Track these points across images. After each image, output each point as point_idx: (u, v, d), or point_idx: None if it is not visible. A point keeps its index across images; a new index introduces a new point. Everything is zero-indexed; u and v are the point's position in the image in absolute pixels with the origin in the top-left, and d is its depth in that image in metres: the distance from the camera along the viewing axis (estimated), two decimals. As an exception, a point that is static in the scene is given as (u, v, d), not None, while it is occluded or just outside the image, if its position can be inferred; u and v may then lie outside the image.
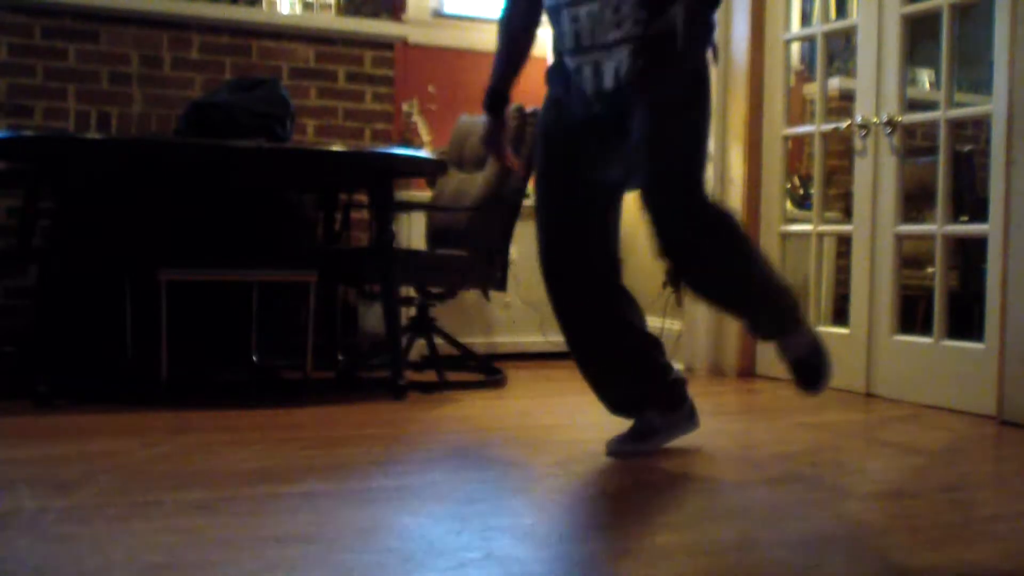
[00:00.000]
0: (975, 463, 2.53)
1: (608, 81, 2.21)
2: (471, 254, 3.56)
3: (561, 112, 2.37)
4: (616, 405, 2.48)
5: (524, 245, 4.35)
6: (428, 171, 3.78)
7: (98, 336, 3.60)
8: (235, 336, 3.49)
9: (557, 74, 2.38)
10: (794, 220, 3.97)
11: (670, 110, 2.20)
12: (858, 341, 3.51)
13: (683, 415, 2.48)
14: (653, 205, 2.16)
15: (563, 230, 2.36)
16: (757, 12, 3.87)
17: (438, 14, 4.34)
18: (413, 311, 3.77)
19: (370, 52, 4.18)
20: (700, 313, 4.01)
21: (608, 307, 2.39)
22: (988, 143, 3.10)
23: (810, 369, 2.32)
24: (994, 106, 3.03)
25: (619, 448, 2.38)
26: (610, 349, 2.42)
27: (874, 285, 3.46)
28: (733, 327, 3.93)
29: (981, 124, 4.24)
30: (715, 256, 2.21)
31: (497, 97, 2.52)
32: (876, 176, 3.45)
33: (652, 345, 2.46)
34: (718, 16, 4.03)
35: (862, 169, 3.51)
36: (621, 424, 2.45)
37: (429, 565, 1.55)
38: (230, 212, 3.82)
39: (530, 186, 3.92)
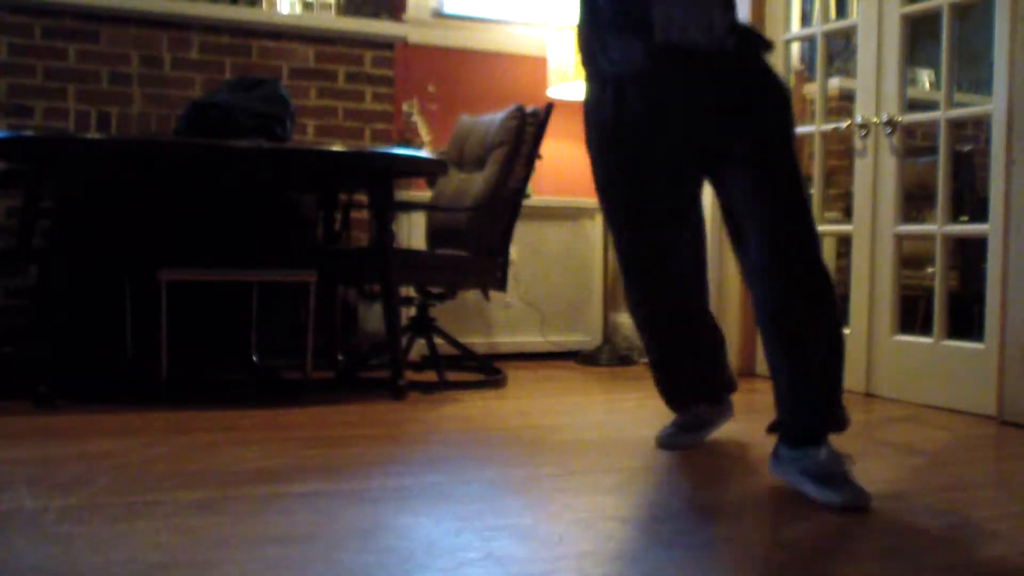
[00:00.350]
0: (975, 463, 2.53)
1: (674, 34, 2.02)
2: (471, 254, 3.56)
3: (607, 105, 2.19)
4: (676, 399, 2.55)
5: (524, 245, 4.36)
6: (428, 171, 3.77)
7: (98, 336, 3.60)
8: (235, 336, 3.49)
9: (592, 63, 2.19)
10: (794, 220, 3.96)
11: (777, 129, 2.12)
12: (858, 341, 3.51)
13: (726, 406, 2.61)
14: (772, 273, 2.04)
15: (646, 243, 2.28)
16: (757, 12, 3.87)
17: (438, 14, 4.34)
18: (413, 311, 3.77)
19: (370, 52, 4.18)
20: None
21: (695, 308, 2.40)
22: (988, 143, 3.10)
23: (836, 477, 2.00)
24: (994, 106, 3.03)
25: (675, 440, 2.48)
26: (691, 347, 2.45)
27: (874, 285, 3.46)
28: (733, 327, 3.93)
29: (981, 124, 4.24)
30: (817, 331, 2.08)
31: None
32: (876, 176, 3.45)
33: (721, 341, 2.52)
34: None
35: (862, 169, 3.51)
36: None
37: (429, 565, 1.55)
38: (230, 212, 3.82)
39: (530, 186, 3.93)
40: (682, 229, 2.31)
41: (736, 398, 3.53)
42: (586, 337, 4.48)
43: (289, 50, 4.07)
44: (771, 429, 2.19)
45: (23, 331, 3.58)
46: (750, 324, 3.94)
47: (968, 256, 4.10)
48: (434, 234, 3.88)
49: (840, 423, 2.17)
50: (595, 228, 4.48)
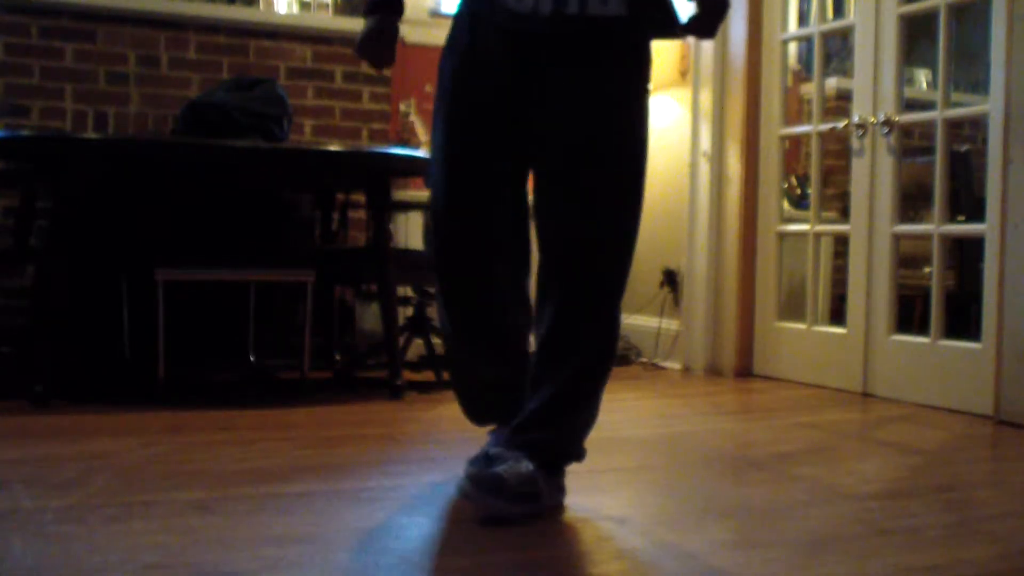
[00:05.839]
0: (972, 463, 2.54)
1: (573, 6, 1.82)
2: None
3: (477, 59, 1.95)
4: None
5: (521, 245, 4.36)
6: (425, 171, 3.77)
7: (95, 336, 3.59)
8: (232, 336, 3.49)
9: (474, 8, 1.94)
10: (791, 220, 3.98)
11: (635, 102, 1.89)
12: (855, 341, 3.51)
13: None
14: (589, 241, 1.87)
15: (471, 216, 1.95)
16: (754, 12, 3.88)
17: (435, 14, 4.34)
18: (410, 311, 3.77)
19: (367, 52, 4.18)
20: (697, 313, 4.02)
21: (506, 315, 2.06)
22: (985, 143, 3.11)
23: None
24: (991, 106, 3.03)
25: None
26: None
27: (871, 285, 3.47)
28: (731, 327, 3.93)
29: (978, 124, 4.25)
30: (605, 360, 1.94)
31: None
32: (873, 176, 3.45)
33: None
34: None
35: (859, 169, 3.51)
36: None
37: (426, 566, 1.54)
38: (227, 212, 3.82)
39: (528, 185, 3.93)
40: (521, 226, 2.07)
41: (734, 397, 3.54)
42: (583, 337, 4.47)
43: (286, 50, 4.07)
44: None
45: (20, 331, 3.58)
46: (748, 324, 3.94)
47: (965, 256, 4.10)
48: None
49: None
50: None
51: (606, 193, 1.88)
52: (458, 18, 2.01)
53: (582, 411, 1.95)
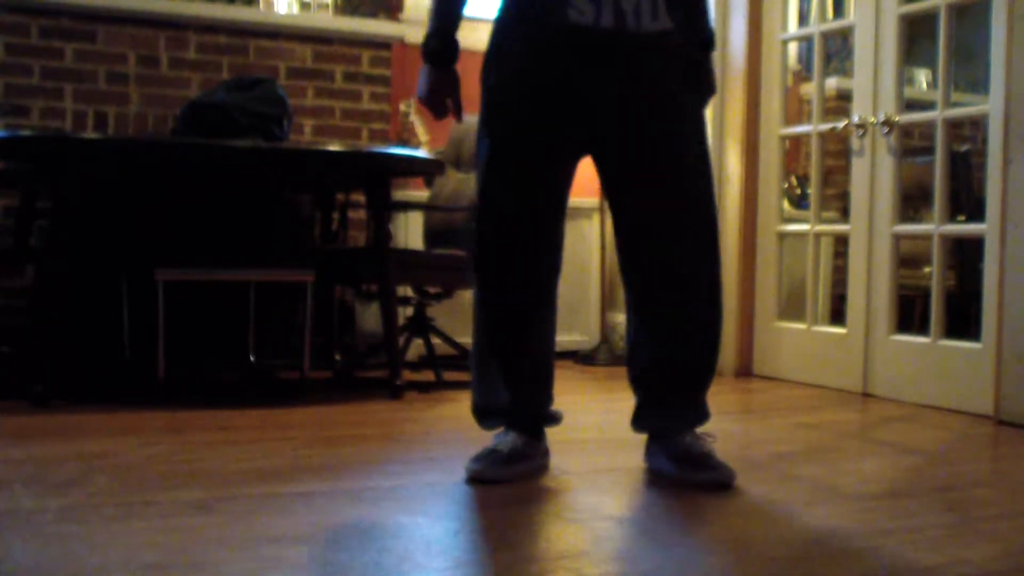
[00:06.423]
0: (972, 463, 2.53)
1: (631, 20, 2.01)
2: (468, 254, 3.56)
3: (529, 67, 2.06)
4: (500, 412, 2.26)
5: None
6: (425, 171, 3.77)
7: (95, 336, 3.59)
8: (232, 336, 3.49)
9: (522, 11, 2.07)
10: (791, 220, 3.98)
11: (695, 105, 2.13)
12: (855, 341, 3.51)
13: (544, 445, 2.26)
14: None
15: (520, 217, 2.11)
16: (754, 12, 3.88)
17: (435, 14, 4.33)
18: (410, 311, 3.77)
19: (367, 52, 4.18)
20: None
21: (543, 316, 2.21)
22: (985, 142, 3.11)
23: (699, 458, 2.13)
24: (991, 105, 3.03)
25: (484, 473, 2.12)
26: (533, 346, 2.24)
27: (871, 285, 3.47)
28: (730, 327, 3.93)
29: (978, 124, 4.25)
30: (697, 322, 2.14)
31: (449, 41, 2.15)
32: (873, 176, 3.45)
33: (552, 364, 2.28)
34: (716, 15, 4.07)
35: (859, 169, 3.51)
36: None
37: (426, 565, 1.54)
38: (227, 212, 3.82)
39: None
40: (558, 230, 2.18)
41: (734, 398, 3.54)
42: (584, 337, 4.47)
43: (286, 50, 4.07)
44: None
45: (20, 331, 3.58)
46: (748, 324, 3.94)
47: (965, 256, 4.11)
48: (431, 234, 3.88)
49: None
50: (592, 228, 4.48)
51: (674, 178, 2.06)
52: (504, 27, 2.12)
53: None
